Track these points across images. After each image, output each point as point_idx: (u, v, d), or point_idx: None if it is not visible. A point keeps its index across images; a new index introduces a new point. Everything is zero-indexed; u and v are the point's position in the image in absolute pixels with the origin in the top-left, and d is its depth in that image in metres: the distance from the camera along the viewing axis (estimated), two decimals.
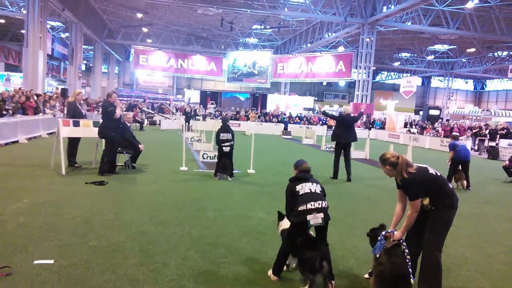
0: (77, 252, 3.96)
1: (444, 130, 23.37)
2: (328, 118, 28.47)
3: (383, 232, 3.48)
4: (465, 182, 9.16)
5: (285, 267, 3.77)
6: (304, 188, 3.57)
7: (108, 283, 3.36)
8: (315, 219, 3.42)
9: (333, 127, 9.55)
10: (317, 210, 3.44)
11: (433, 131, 25.63)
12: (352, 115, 9.63)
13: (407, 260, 3.27)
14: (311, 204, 3.45)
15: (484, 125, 23.50)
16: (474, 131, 21.59)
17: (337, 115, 10.15)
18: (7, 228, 4.51)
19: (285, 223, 3.83)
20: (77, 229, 4.62)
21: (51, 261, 3.69)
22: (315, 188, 3.60)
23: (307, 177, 3.69)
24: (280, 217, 4.04)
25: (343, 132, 9.14)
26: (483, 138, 20.53)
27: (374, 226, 3.79)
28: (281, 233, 3.92)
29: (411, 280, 3.23)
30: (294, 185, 3.63)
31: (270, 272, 3.70)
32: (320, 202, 3.49)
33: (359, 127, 28.63)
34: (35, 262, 3.65)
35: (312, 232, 3.71)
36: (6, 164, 8.68)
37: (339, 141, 9.17)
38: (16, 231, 4.43)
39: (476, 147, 20.83)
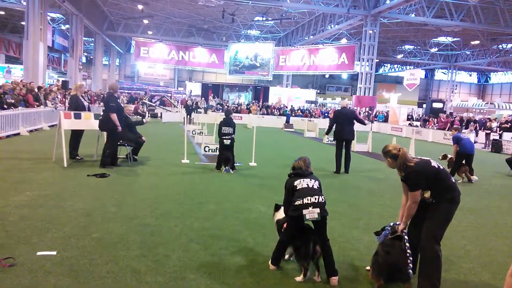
0: (80, 243, 3.98)
1: (444, 122, 23.08)
2: (330, 111, 28.57)
3: (391, 223, 3.53)
4: (468, 173, 9.21)
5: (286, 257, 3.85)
6: (302, 183, 3.63)
7: (110, 274, 3.38)
8: (311, 213, 3.46)
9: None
10: (313, 205, 3.47)
11: (436, 124, 25.49)
12: (348, 107, 9.55)
13: (407, 254, 3.29)
14: (308, 199, 3.49)
15: (487, 118, 23.38)
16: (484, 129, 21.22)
17: (333, 118, 10.14)
18: (10, 220, 4.53)
19: (280, 214, 4.07)
20: (79, 221, 4.64)
21: (54, 253, 3.71)
22: (313, 183, 3.64)
23: (306, 173, 3.73)
24: (276, 208, 4.22)
25: (341, 128, 9.31)
26: (489, 131, 20.42)
27: (384, 225, 3.78)
28: (276, 223, 4.10)
29: (410, 273, 3.24)
30: (293, 181, 3.70)
31: (270, 262, 3.77)
32: (316, 197, 3.52)
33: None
34: (38, 253, 3.68)
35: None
36: (8, 156, 8.71)
37: (337, 138, 9.38)
38: (19, 223, 4.45)
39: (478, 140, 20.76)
